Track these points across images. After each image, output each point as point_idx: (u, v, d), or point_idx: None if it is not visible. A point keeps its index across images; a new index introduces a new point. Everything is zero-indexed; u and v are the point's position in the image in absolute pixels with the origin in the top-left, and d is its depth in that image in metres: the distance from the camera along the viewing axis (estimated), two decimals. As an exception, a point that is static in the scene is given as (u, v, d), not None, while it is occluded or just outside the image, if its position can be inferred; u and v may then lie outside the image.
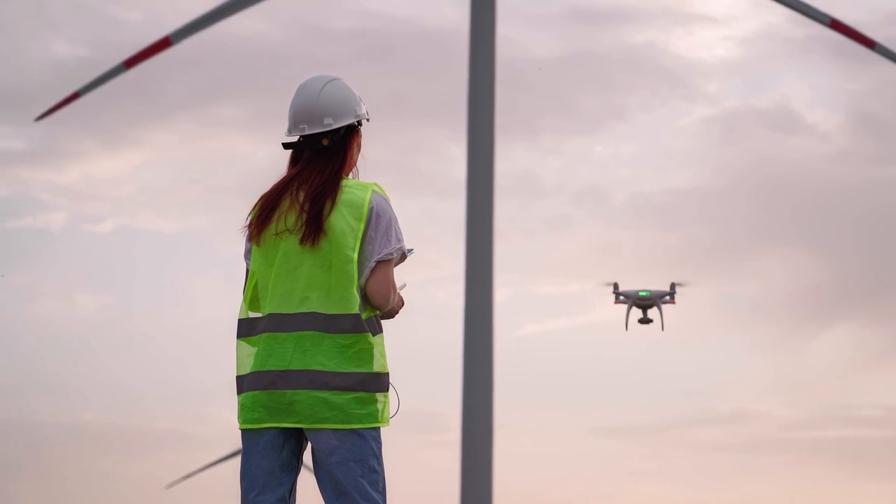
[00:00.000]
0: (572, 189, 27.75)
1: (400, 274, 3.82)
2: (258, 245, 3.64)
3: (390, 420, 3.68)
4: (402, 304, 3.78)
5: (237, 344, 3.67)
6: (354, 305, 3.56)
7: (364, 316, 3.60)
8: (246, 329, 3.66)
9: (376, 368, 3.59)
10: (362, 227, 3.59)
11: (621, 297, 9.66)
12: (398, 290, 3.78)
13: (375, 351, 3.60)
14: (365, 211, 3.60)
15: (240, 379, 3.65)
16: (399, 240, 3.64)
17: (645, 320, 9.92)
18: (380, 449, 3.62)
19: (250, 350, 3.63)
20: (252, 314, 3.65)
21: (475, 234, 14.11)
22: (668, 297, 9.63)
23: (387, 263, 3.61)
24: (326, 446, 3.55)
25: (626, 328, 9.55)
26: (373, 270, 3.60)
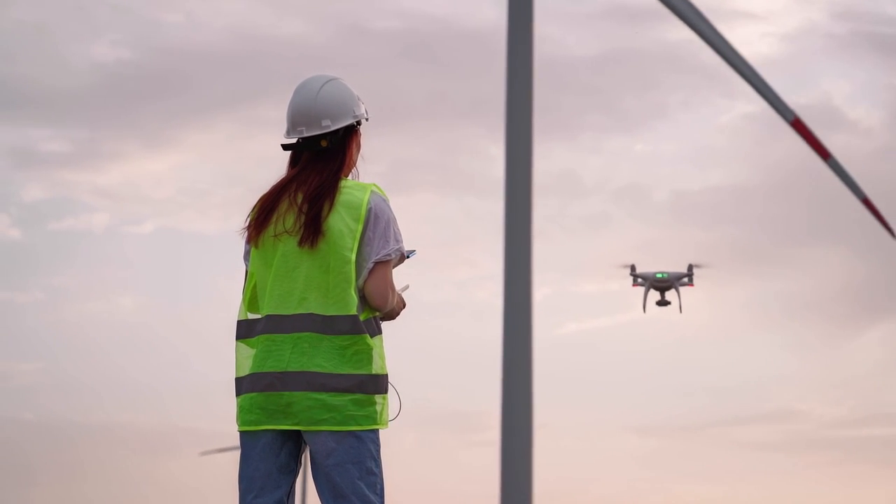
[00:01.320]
0: (612, 187, 27.64)
1: (402, 275, 3.79)
2: (256, 247, 3.62)
3: (390, 422, 3.65)
4: (404, 305, 3.76)
5: (236, 346, 3.65)
6: (352, 307, 3.54)
7: (362, 317, 3.57)
8: (244, 330, 3.64)
9: (375, 370, 3.56)
10: (360, 228, 3.56)
11: (639, 280, 9.55)
12: (400, 292, 3.76)
13: (374, 352, 3.57)
14: (363, 212, 3.57)
15: (238, 381, 3.63)
16: (398, 241, 3.62)
17: (663, 302, 9.82)
18: (378, 451, 3.59)
19: (249, 352, 3.61)
20: (251, 316, 3.64)
21: (513, 234, 14.00)
22: (685, 280, 9.51)
23: (385, 264, 3.59)
24: (324, 448, 3.52)
25: (644, 310, 9.45)
26: (371, 271, 3.57)
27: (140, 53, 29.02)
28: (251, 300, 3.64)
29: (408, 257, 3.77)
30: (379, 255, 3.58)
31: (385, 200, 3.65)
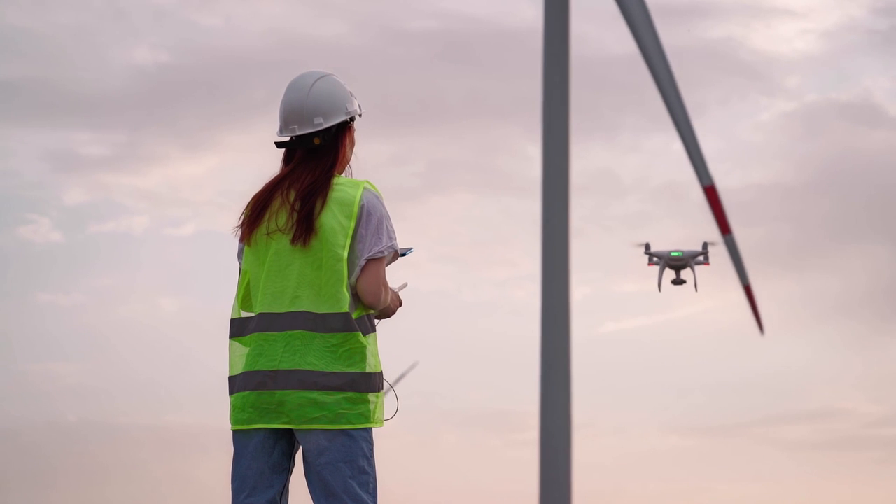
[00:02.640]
0: (651, 186, 27.55)
1: (400, 273, 3.77)
2: (249, 245, 3.60)
3: (386, 422, 3.63)
4: (400, 303, 3.73)
5: (229, 344, 3.63)
6: (344, 304, 3.51)
7: (355, 315, 3.55)
8: (237, 329, 3.62)
9: (367, 368, 3.54)
10: (353, 225, 3.54)
11: (654, 259, 9.44)
12: (397, 290, 3.73)
13: (367, 350, 3.54)
14: (356, 209, 3.55)
15: (231, 379, 3.61)
16: (391, 238, 3.59)
17: (678, 281, 9.69)
18: (371, 450, 3.55)
19: (242, 350, 3.59)
20: (244, 314, 3.62)
21: (550, 233, 13.99)
22: (701, 258, 9.37)
23: (378, 262, 3.56)
24: (316, 447, 3.50)
25: (660, 290, 9.32)
26: (363, 269, 3.55)
27: (179, 57, 29.20)
28: (244, 298, 3.63)
29: (403, 255, 3.73)
30: (371, 253, 3.55)
31: (378, 197, 3.62)
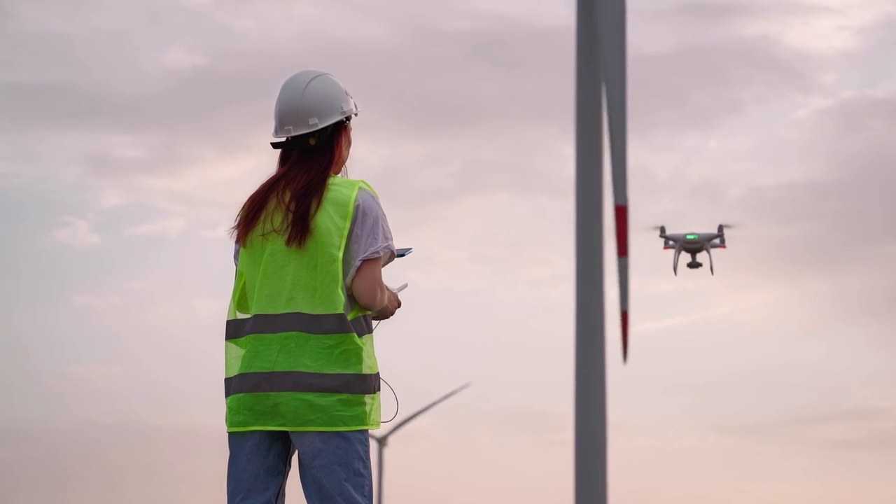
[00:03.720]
0: (687, 185, 27.42)
1: (400, 274, 3.73)
2: (245, 246, 3.58)
3: (387, 424, 3.59)
4: (399, 304, 3.70)
5: (225, 346, 3.61)
6: (339, 305, 3.48)
7: (350, 316, 3.51)
8: (233, 330, 3.60)
9: (363, 370, 3.50)
10: (348, 225, 3.50)
11: (670, 243, 9.36)
12: (397, 291, 3.70)
13: (363, 352, 3.51)
14: (351, 209, 3.52)
15: (227, 381, 3.59)
16: (387, 238, 3.55)
17: (694, 264, 9.63)
18: (367, 452, 3.51)
19: (238, 352, 3.57)
20: (241, 315, 3.59)
21: (585, 233, 13.95)
22: (717, 241, 9.30)
23: (373, 262, 3.52)
24: (311, 449, 3.47)
25: (675, 273, 9.24)
26: (359, 269, 3.51)
27: (214, 59, 29.31)
28: (241, 300, 3.60)
29: (402, 256, 3.70)
30: (367, 253, 3.51)
31: (374, 197, 3.58)
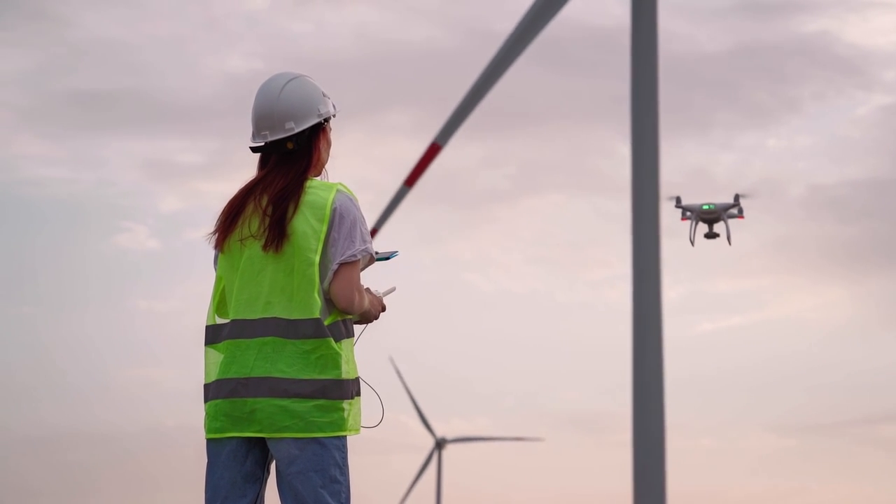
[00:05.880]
0: (745, 184, 27.15)
1: (388, 277, 3.67)
2: (223, 251, 3.55)
3: (371, 429, 3.57)
4: (383, 307, 3.65)
5: (205, 351, 3.58)
6: (315, 310, 3.44)
7: (328, 321, 3.47)
8: (212, 336, 3.57)
9: (342, 375, 3.46)
10: (325, 228, 3.46)
11: (687, 213, 9.28)
12: (383, 294, 3.66)
13: (340, 357, 3.46)
14: (327, 212, 3.47)
15: (206, 387, 3.56)
16: (364, 241, 3.50)
17: (711, 235, 9.54)
18: (344, 458, 3.47)
19: (217, 357, 3.54)
20: (220, 320, 3.56)
21: (641, 233, 13.91)
22: (734, 210, 9.20)
23: (351, 266, 3.48)
24: (286, 456, 3.43)
25: (692, 244, 9.14)
26: (335, 273, 3.47)
27: (272, 63, 29.47)
28: (220, 305, 3.58)
29: (387, 259, 3.66)
30: (343, 256, 3.47)
31: (352, 200, 3.53)
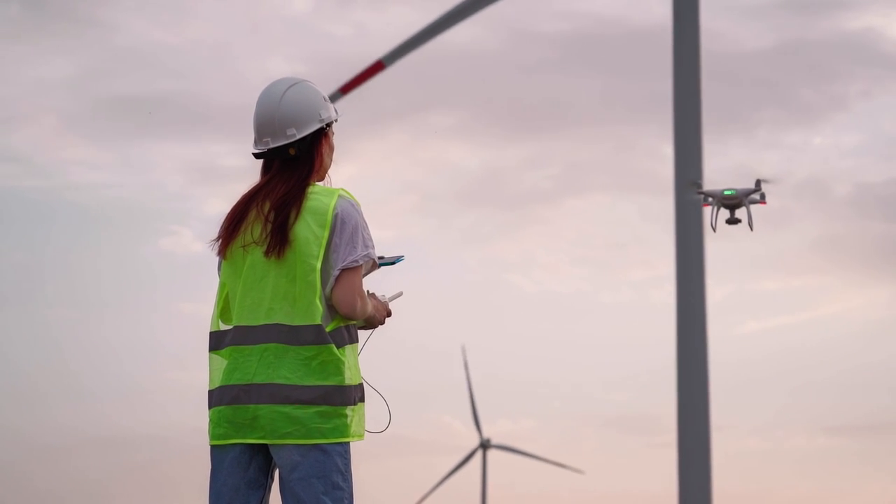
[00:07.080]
0: (791, 182, 26.97)
1: (395, 282, 3.65)
2: (226, 258, 3.55)
3: (379, 434, 3.55)
4: (389, 313, 3.64)
5: (209, 357, 3.58)
6: (317, 316, 3.43)
7: (330, 327, 3.46)
8: (215, 342, 3.57)
9: (344, 381, 3.44)
10: (327, 234, 3.45)
11: (708, 199, 9.26)
12: (389, 299, 3.65)
13: (343, 363, 3.45)
14: (329, 217, 3.46)
15: (210, 393, 3.56)
16: (367, 246, 3.49)
17: (732, 220, 9.52)
18: (347, 465, 3.45)
19: (220, 363, 3.54)
20: (223, 327, 3.56)
21: (685, 233, 13.89)
22: (756, 196, 9.17)
23: (352, 271, 3.46)
24: (289, 462, 3.42)
25: (714, 230, 9.12)
26: (337, 279, 3.45)
27: (314, 66, 29.61)
28: (223, 311, 3.58)
29: (392, 264, 3.64)
30: (345, 262, 3.46)
31: (354, 205, 3.52)
